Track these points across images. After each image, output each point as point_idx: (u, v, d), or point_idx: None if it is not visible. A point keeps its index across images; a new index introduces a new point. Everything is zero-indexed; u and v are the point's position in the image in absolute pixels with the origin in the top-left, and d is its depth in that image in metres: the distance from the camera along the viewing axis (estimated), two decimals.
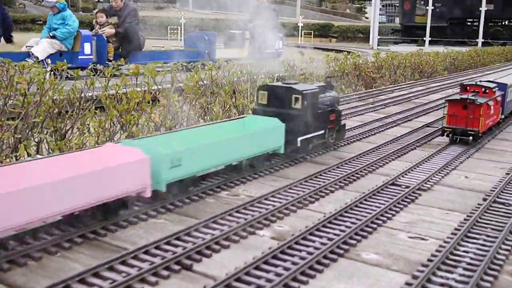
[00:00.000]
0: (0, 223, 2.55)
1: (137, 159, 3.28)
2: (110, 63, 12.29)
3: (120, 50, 13.00)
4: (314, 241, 3.08)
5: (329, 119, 5.38)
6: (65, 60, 7.04)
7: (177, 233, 3.03)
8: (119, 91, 6.42)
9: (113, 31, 12.74)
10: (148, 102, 6.47)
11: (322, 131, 5.30)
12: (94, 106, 6.12)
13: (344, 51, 36.37)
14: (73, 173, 2.90)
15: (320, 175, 4.44)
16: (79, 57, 11.79)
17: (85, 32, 12.26)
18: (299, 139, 4.93)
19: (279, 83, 5.21)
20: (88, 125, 5.98)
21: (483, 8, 50.49)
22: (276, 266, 2.75)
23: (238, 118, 5.03)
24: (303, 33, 60.82)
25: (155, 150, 3.48)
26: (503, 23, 57.13)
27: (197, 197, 3.78)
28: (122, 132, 6.15)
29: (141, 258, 2.74)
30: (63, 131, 5.75)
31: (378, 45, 51.87)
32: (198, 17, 74.91)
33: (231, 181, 4.14)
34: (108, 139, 6.03)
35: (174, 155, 3.57)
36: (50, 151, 5.48)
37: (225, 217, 3.37)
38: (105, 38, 12.38)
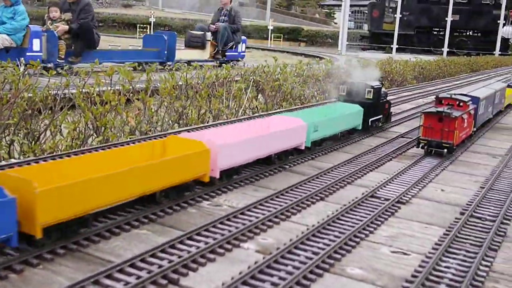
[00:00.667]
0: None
1: (300, 125, 5.27)
2: (61, 61, 11.79)
3: (72, 48, 12.37)
4: (299, 255, 3.08)
5: (385, 107, 7.36)
6: (38, 60, 6.92)
7: (161, 245, 2.99)
8: (93, 93, 6.33)
9: (66, 27, 12.02)
10: (123, 105, 6.39)
11: (381, 116, 7.24)
12: (67, 108, 6.02)
13: (314, 55, 36.65)
14: (269, 131, 4.93)
15: (301, 185, 4.44)
16: (27, 53, 11.05)
17: (35, 27, 11.58)
18: (370, 120, 6.86)
19: (357, 82, 6.98)
20: (61, 127, 5.87)
21: (449, 18, 51.58)
22: (264, 281, 2.73)
23: (327, 103, 8.17)
24: (272, 36, 61.05)
25: (306, 119, 5.37)
26: (468, 33, 58.49)
27: (179, 207, 3.74)
28: (95, 135, 6.05)
29: (127, 272, 2.68)
30: (37, 133, 5.63)
31: (346, 50, 52.40)
32: (168, 16, 74.50)
33: (212, 191, 4.11)
34: (82, 142, 5.93)
35: (315, 124, 5.50)
36: (23, 154, 5.35)
37: (209, 228, 3.34)
38: (56, 35, 11.70)
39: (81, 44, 12.46)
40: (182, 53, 15.80)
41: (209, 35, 16.58)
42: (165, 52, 14.76)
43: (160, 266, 2.77)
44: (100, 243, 3.06)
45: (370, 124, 6.86)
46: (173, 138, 4.19)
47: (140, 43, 17.29)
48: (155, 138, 5.25)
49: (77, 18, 12.28)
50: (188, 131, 5.10)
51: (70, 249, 2.92)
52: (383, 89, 7.20)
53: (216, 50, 16.71)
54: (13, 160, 4.49)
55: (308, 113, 6.22)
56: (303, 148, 5.35)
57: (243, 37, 18.37)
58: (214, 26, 16.65)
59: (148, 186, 3.47)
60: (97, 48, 13.18)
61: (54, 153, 5.05)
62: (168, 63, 13.91)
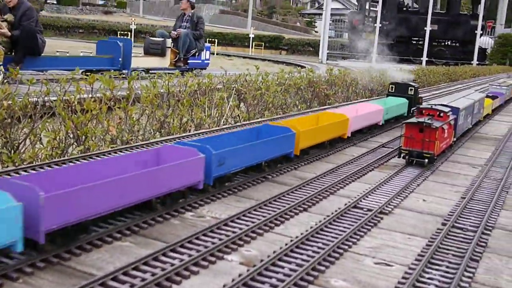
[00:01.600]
0: None
1: (378, 109, 8.02)
2: None
3: (13, 54, 11.48)
4: (283, 267, 3.07)
5: (420, 100, 9.33)
6: (18, 67, 6.83)
7: (144, 258, 2.95)
8: (74, 101, 6.26)
9: (8, 33, 11.21)
10: (104, 113, 6.34)
11: (414, 106, 8.75)
12: (47, 116, 5.95)
13: (295, 64, 36.77)
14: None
15: (284, 196, 4.44)
16: None
17: None
18: (412, 109, 8.93)
19: (400, 81, 9.87)
20: (41, 136, 5.80)
21: (428, 28, 52.26)
22: None
23: (378, 99, 10.85)
24: (254, 45, 61.21)
25: (381, 104, 8.34)
26: (446, 43, 59.27)
27: (162, 218, 3.70)
28: (76, 145, 5.99)
29: (109, 285, 2.65)
30: (16, 142, 5.55)
31: (327, 59, 52.76)
32: (149, 23, 74.31)
33: (195, 202, 4.08)
34: (62, 151, 5.86)
35: (387, 108, 8.19)
36: (1, 163, 5.26)
37: (192, 240, 3.31)
38: None
39: (22, 50, 11.57)
40: (140, 61, 15.03)
41: (169, 42, 15.84)
42: (120, 59, 13.79)
43: (143, 280, 2.73)
44: (82, 255, 3.02)
45: (412, 112, 8.96)
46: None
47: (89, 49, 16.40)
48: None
49: (19, 23, 11.50)
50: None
51: (50, 262, 2.87)
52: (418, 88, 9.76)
53: (177, 58, 16.01)
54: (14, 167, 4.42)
55: (380, 102, 8.80)
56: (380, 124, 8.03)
57: (207, 44, 17.66)
58: (175, 33, 15.97)
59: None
60: (42, 55, 12.26)
61: (34, 163, 4.98)
62: (124, 71, 13.16)
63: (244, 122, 8.01)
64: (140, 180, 3.45)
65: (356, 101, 11.41)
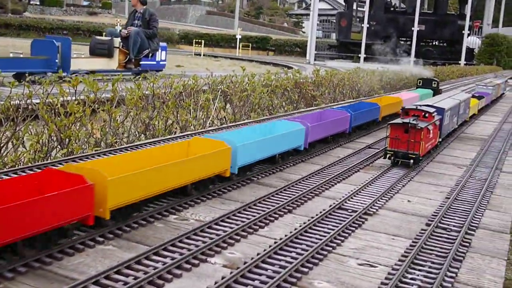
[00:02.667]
0: None
1: (415, 95, 10.31)
2: None
3: None
4: (266, 269, 3.06)
5: (440, 91, 11.80)
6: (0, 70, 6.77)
7: (127, 261, 2.93)
8: (57, 104, 6.22)
9: None
10: (88, 116, 6.30)
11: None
12: (30, 119, 5.90)
13: (283, 65, 36.82)
14: None
15: (269, 198, 4.43)
16: None
17: None
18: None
19: (426, 76, 12.95)
20: (23, 139, 5.74)
21: (415, 28, 52.53)
22: None
23: (412, 90, 12.93)
24: (241, 45, 61.19)
25: (418, 93, 11.39)
26: (434, 43, 59.64)
27: (145, 222, 3.68)
28: (59, 148, 5.94)
29: None
30: None
31: (314, 59, 52.89)
32: None
33: (179, 205, 4.07)
34: (45, 155, 5.81)
35: (421, 95, 10.62)
36: None
37: (175, 243, 3.29)
38: None
39: None
40: (82, 62, 13.73)
41: (117, 41, 14.44)
42: (57, 60, 12.57)
43: (125, 283, 2.71)
44: (63, 260, 2.99)
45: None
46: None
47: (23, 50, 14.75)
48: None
49: None
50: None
51: (31, 267, 2.85)
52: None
53: (127, 59, 14.62)
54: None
55: (417, 91, 11.81)
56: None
57: (163, 44, 16.18)
58: (125, 31, 14.62)
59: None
60: None
61: (17, 167, 4.94)
62: (62, 74, 12.12)
63: (230, 124, 7.99)
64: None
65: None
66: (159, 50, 15.85)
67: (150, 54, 15.25)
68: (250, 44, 65.15)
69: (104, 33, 15.34)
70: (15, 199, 2.90)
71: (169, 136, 6.68)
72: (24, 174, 4.04)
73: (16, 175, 4.04)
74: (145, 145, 5.76)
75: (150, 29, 14.99)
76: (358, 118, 7.46)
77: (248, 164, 5.00)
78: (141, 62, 15.16)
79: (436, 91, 11.66)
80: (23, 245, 2.86)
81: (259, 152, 5.12)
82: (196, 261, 3.10)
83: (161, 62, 16.16)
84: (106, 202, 3.27)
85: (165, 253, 3.15)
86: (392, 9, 61.59)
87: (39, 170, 3.75)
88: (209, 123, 8.42)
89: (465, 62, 51.60)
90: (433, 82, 12.19)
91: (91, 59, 14.30)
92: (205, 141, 4.69)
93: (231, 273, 2.92)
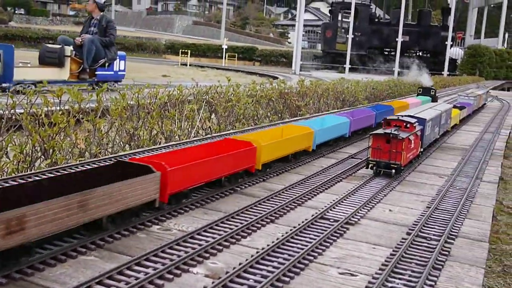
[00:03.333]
0: None
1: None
2: None
3: None
4: (248, 279, 3.09)
5: (436, 99, 13.92)
6: None
7: (109, 272, 2.94)
8: (41, 114, 6.21)
9: None
10: (72, 126, 6.30)
11: (436, 103, 12.15)
12: (13, 129, 5.89)
13: (268, 75, 36.95)
14: None
15: (251, 208, 4.46)
16: None
17: None
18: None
19: (425, 86, 14.97)
20: (7, 149, 5.73)
21: (399, 39, 53.06)
22: None
23: (413, 96, 15.44)
24: (227, 56, 61.37)
25: (420, 99, 13.32)
26: (418, 54, 60.24)
27: (128, 232, 3.70)
28: (43, 158, 5.94)
29: None
30: None
31: (300, 70, 53.17)
32: (120, 34, 73.89)
33: (162, 215, 4.08)
34: (29, 165, 5.80)
35: (423, 101, 12.56)
36: None
37: (158, 253, 3.31)
38: None
39: None
40: (28, 72, 12.64)
41: (69, 50, 13.44)
42: None
43: None
44: (45, 270, 3.00)
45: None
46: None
47: None
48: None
49: None
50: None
51: (12, 278, 2.85)
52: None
53: (81, 69, 13.65)
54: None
55: (418, 97, 13.81)
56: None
57: (121, 53, 15.20)
58: (79, 39, 13.70)
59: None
60: None
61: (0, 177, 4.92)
62: (4, 84, 11.34)
63: (215, 134, 8.03)
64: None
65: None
66: (117, 60, 14.96)
67: (107, 64, 14.36)
68: (236, 54, 65.42)
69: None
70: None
71: (155, 146, 6.69)
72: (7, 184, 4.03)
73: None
74: (129, 155, 5.77)
75: (107, 37, 14.15)
76: (379, 117, 9.45)
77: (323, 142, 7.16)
78: (96, 72, 14.22)
79: (434, 98, 13.68)
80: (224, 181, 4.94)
81: (327, 135, 7.32)
82: (179, 271, 3.12)
83: (119, 72, 15.12)
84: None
85: (148, 263, 3.17)
86: (376, 20, 62.25)
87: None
88: (194, 133, 8.45)
89: (448, 73, 52.17)
90: (431, 90, 14.33)
91: (39, 68, 13.27)
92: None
93: (212, 282, 2.95)
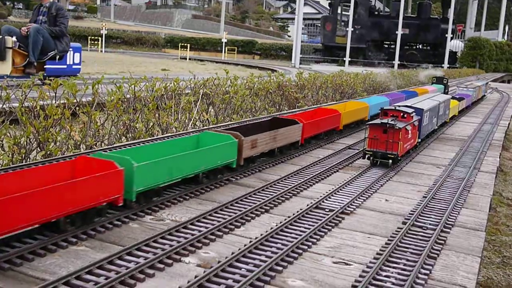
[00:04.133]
0: None
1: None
2: None
3: None
4: (240, 268, 3.06)
5: (448, 88, 15.68)
6: None
7: (99, 262, 2.91)
8: (36, 106, 6.18)
9: None
10: (68, 118, 6.26)
11: (447, 91, 14.98)
12: (8, 121, 5.85)
13: (268, 68, 36.90)
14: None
15: (246, 198, 4.43)
16: None
17: None
18: (446, 91, 14.79)
19: (438, 75, 17.93)
20: (2, 141, 5.70)
21: (399, 32, 52.91)
22: None
23: (429, 85, 16.12)
24: (227, 49, 61.24)
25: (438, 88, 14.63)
26: (417, 47, 60.10)
27: (120, 222, 3.66)
28: (38, 150, 5.90)
29: None
30: None
31: (300, 63, 53.07)
32: (120, 28, 73.80)
33: (155, 205, 4.05)
34: (23, 157, 5.77)
35: (439, 89, 14.54)
36: None
37: (149, 243, 3.28)
38: None
39: None
40: None
41: (10, 41, 11.62)
42: None
43: (96, 283, 2.69)
44: (35, 261, 2.96)
45: (446, 93, 14.31)
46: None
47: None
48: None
49: None
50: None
51: (1, 268, 2.82)
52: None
53: (27, 62, 11.91)
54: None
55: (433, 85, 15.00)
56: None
57: (75, 44, 13.64)
58: (25, 28, 11.91)
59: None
60: None
61: None
62: None
63: (212, 126, 7.99)
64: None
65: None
66: (71, 52, 13.51)
67: (58, 57, 12.59)
68: (236, 48, 65.28)
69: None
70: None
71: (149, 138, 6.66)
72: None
73: None
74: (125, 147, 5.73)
75: (57, 26, 12.34)
76: (406, 99, 10.26)
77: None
78: (46, 66, 12.53)
79: (446, 86, 15.37)
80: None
81: (376, 109, 8.72)
82: (170, 261, 3.08)
83: (73, 66, 13.69)
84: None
85: (139, 253, 3.14)
86: (376, 13, 62.04)
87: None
88: (190, 125, 8.41)
89: (448, 65, 52.06)
90: (444, 79, 16.05)
91: None
92: (353, 103, 8.06)
93: (204, 272, 2.91)
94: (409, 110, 6.37)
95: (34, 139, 5.89)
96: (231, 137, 5.07)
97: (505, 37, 69.79)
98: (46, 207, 3.08)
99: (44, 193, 3.07)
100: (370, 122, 6.04)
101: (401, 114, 6.27)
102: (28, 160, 5.79)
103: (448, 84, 16.07)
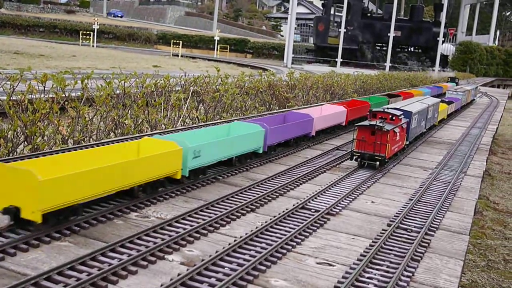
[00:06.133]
0: None
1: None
2: None
3: None
4: (223, 267, 3.06)
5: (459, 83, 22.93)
6: None
7: (81, 258, 2.90)
8: (24, 100, 6.14)
9: None
10: (56, 113, 6.23)
11: (458, 84, 22.12)
12: None
13: (260, 67, 36.86)
14: None
15: (232, 197, 4.43)
16: None
17: None
18: (457, 85, 20.98)
19: (451, 77, 28.67)
20: None
21: (391, 34, 53.08)
22: None
23: (434, 87, 19.29)
24: (219, 47, 61.14)
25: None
26: (409, 49, 60.29)
27: (105, 218, 3.65)
28: (25, 144, 5.87)
29: (42, 286, 2.59)
30: None
31: (292, 63, 53.10)
32: (112, 23, 73.43)
33: (141, 202, 4.04)
34: (10, 151, 5.73)
35: (454, 85, 23.07)
36: None
37: (133, 240, 3.27)
38: None
39: None
40: None
41: None
42: None
43: (78, 279, 2.68)
44: (17, 255, 2.95)
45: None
46: None
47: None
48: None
49: None
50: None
51: None
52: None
53: None
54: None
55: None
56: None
57: None
58: None
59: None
60: None
61: None
62: None
63: (201, 124, 7.97)
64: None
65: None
66: None
67: None
68: (228, 46, 65.19)
69: None
70: None
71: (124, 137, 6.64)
72: None
73: None
74: (112, 143, 5.72)
75: None
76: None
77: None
78: None
79: (457, 83, 20.39)
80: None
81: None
82: (153, 258, 3.08)
83: None
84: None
85: (122, 249, 3.13)
86: (369, 14, 62.16)
87: None
88: (180, 123, 8.39)
89: (439, 69, 52.30)
90: (455, 78, 23.53)
91: None
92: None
93: (187, 270, 2.91)
94: (398, 113, 6.39)
95: (21, 133, 5.85)
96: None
97: (496, 42, 70.23)
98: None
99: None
100: (358, 124, 6.05)
101: (390, 116, 6.28)
102: (15, 153, 5.75)
103: (458, 82, 24.06)
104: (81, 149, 5.00)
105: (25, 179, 3.07)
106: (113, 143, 5.37)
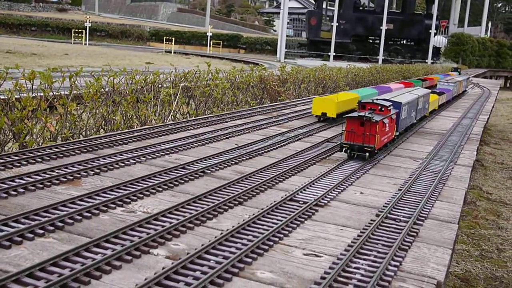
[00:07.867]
0: None
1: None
2: None
3: None
4: (209, 260, 3.04)
5: (460, 73, 22.58)
6: None
7: (65, 253, 2.87)
8: (11, 97, 6.10)
9: None
10: (45, 110, 6.19)
11: (460, 73, 22.26)
12: None
13: (253, 62, 36.88)
14: None
15: (220, 190, 4.40)
16: None
17: None
18: (459, 74, 21.35)
19: (454, 67, 34.45)
20: None
21: (384, 27, 53.10)
22: (169, 287, 2.67)
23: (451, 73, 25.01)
24: (212, 43, 61.04)
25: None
26: (402, 42, 60.35)
27: (89, 214, 3.62)
28: (14, 141, 5.83)
29: (23, 282, 2.56)
30: None
31: (285, 58, 53.08)
32: (104, 21, 73.23)
33: (127, 197, 4.01)
34: None
35: (458, 70, 29.57)
36: None
37: (118, 235, 3.24)
38: None
39: None
40: None
41: None
42: None
43: (60, 275, 2.66)
44: None
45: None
46: None
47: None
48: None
49: None
50: None
51: None
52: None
53: None
54: None
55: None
56: None
57: None
58: None
59: None
60: None
61: None
62: None
63: (191, 119, 7.94)
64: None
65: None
66: None
67: None
68: (221, 41, 65.13)
69: None
70: None
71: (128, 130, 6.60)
72: None
73: None
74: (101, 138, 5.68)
75: None
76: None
77: None
78: None
79: (460, 72, 21.29)
80: None
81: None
82: (138, 253, 3.05)
83: None
84: None
85: (107, 245, 3.10)
86: (361, 8, 62.16)
87: None
88: (170, 118, 8.36)
89: (431, 61, 52.37)
90: (458, 68, 26.15)
91: None
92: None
93: (172, 263, 2.89)
94: (387, 104, 6.37)
95: (8, 130, 5.81)
96: None
97: (488, 33, 70.34)
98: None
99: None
100: (347, 115, 6.03)
101: (379, 107, 6.27)
102: (3, 151, 5.71)
103: (460, 71, 27.85)
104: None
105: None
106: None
